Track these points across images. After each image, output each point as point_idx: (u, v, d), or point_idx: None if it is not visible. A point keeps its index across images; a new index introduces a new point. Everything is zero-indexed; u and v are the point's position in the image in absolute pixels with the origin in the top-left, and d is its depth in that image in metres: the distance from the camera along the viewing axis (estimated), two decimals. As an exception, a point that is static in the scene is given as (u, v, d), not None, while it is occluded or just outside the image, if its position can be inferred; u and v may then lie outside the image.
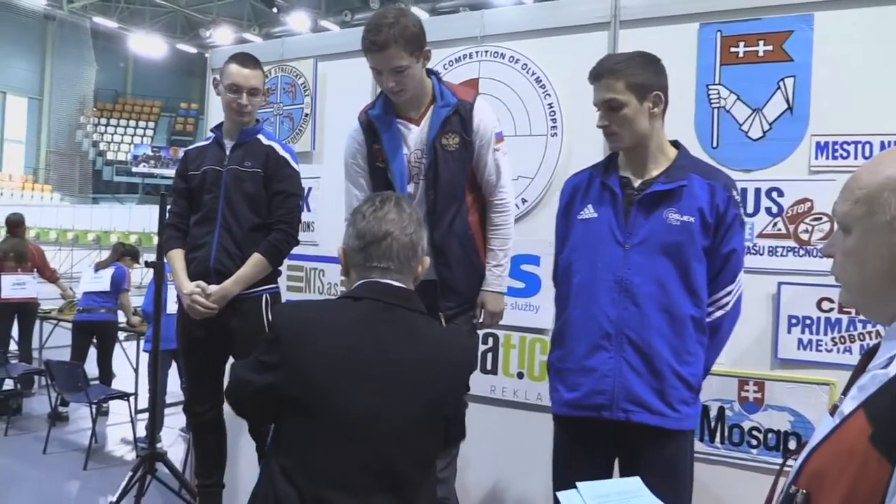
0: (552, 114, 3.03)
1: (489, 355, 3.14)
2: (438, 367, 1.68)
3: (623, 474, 2.10)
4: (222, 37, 21.37)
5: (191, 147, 3.10)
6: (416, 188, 2.48)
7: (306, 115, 3.68)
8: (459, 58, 3.24)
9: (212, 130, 2.99)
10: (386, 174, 2.50)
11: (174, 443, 5.54)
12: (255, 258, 2.78)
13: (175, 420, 5.81)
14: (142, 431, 5.25)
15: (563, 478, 2.16)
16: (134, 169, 26.50)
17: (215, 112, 3.91)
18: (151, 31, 23.19)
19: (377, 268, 1.68)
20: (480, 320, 2.59)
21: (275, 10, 20.27)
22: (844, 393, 1.09)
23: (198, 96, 29.02)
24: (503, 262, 2.58)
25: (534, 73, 3.08)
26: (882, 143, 2.52)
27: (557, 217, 2.35)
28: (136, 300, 6.64)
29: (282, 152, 2.86)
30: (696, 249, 2.08)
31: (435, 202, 2.45)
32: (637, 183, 2.15)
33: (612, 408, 2.07)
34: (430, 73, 2.53)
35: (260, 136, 2.90)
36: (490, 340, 3.14)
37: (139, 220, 21.12)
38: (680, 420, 2.08)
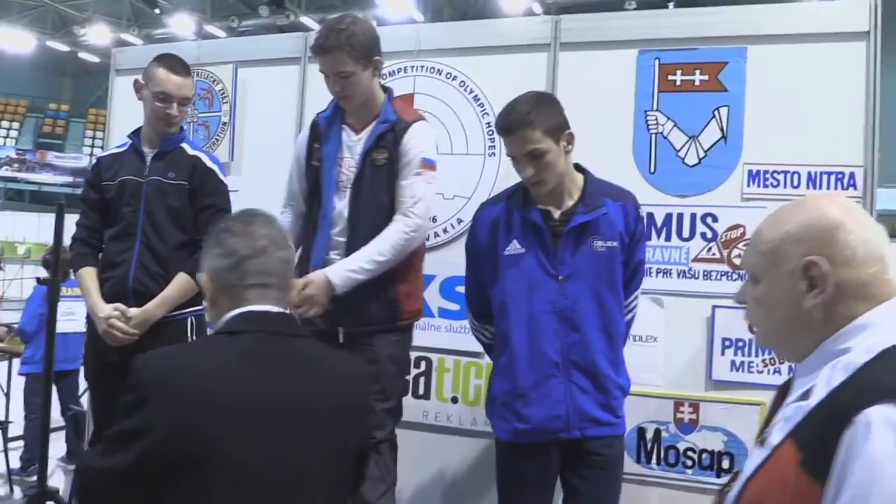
0: (490, 133, 3.00)
1: (421, 379, 3.05)
2: (342, 395, 1.49)
3: (564, 476, 2.22)
4: (98, 36, 20.17)
5: (104, 154, 2.82)
6: (343, 197, 2.47)
7: (224, 123, 3.47)
8: (394, 71, 3.15)
9: (128, 136, 2.72)
10: (317, 175, 2.51)
11: (53, 472, 5.06)
12: (181, 278, 2.55)
13: (54, 448, 5.31)
14: (15, 462, 4.78)
15: (512, 498, 2.26)
16: (-5, 172, 24.50)
17: (120, 118, 3.64)
18: (18, 25, 21.57)
19: (255, 286, 1.46)
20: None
21: (157, 11, 19.35)
22: (767, 424, 1.19)
23: (69, 97, 27.26)
24: (360, 267, 2.32)
25: (472, 91, 3.04)
26: (809, 174, 2.65)
27: (479, 250, 2.30)
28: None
29: (209, 164, 2.65)
30: (619, 267, 2.20)
31: (355, 212, 2.44)
32: (557, 214, 2.21)
33: (569, 429, 2.15)
34: (385, 89, 2.55)
35: (184, 145, 2.67)
36: (423, 364, 3.04)
37: (1, 227, 19.53)
38: (622, 424, 2.23)
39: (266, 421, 1.36)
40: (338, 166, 2.48)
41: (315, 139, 2.55)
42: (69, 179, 23.89)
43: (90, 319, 2.66)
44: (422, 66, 3.13)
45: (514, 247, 2.20)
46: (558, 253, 2.15)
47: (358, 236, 2.41)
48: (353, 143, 2.48)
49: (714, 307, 2.70)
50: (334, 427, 1.45)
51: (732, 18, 2.76)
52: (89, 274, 2.62)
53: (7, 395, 5.68)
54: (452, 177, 2.90)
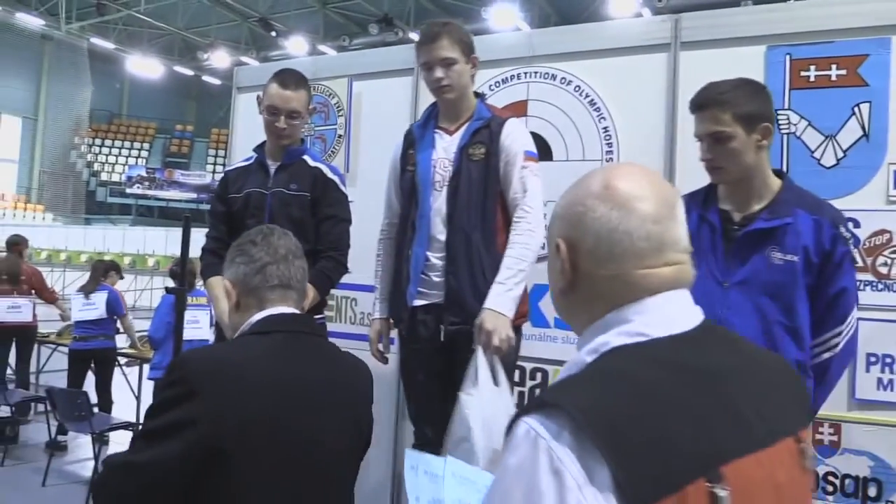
0: (607, 138, 2.90)
1: (537, 392, 2.97)
2: (356, 388, 1.68)
3: None
4: (220, 60, 21.33)
5: (230, 167, 2.91)
6: (439, 195, 2.48)
7: (340, 136, 3.54)
8: (507, 78, 3.11)
9: (254, 150, 2.81)
10: (414, 178, 2.54)
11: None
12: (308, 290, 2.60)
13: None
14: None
15: None
16: (128, 190, 26.27)
17: (242, 133, 3.77)
18: (149, 52, 23.11)
19: (277, 287, 1.64)
20: (476, 343, 2.28)
21: (273, 33, 20.26)
22: None
23: (192, 118, 28.94)
24: (510, 282, 2.32)
25: (587, 96, 2.95)
26: (967, 173, 2.40)
27: None
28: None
29: (330, 175, 2.70)
30: (800, 290, 1.96)
31: (454, 208, 2.44)
32: (738, 217, 2.02)
33: None
34: (477, 94, 2.58)
35: (306, 158, 2.73)
36: (538, 376, 2.97)
37: (133, 241, 20.87)
38: None
39: (301, 407, 1.51)
40: (433, 167, 2.50)
41: (410, 146, 2.60)
42: (194, 196, 25.33)
43: (218, 326, 2.75)
44: (535, 73, 3.08)
45: None
46: (729, 258, 1.98)
47: (457, 233, 2.41)
48: (448, 144, 2.51)
49: (858, 319, 2.48)
50: (353, 412, 1.64)
51: (872, 7, 2.55)
52: (218, 282, 2.71)
53: (138, 399, 6.03)
54: (569, 183, 2.82)
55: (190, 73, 24.63)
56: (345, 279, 3.40)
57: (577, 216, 0.97)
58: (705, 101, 1.98)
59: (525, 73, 3.10)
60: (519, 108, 3.01)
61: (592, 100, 2.94)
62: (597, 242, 0.95)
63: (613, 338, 0.91)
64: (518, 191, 2.41)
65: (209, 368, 1.45)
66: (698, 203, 2.08)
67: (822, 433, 2.50)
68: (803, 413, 0.97)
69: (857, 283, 2.48)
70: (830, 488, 2.49)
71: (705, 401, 0.85)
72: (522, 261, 2.35)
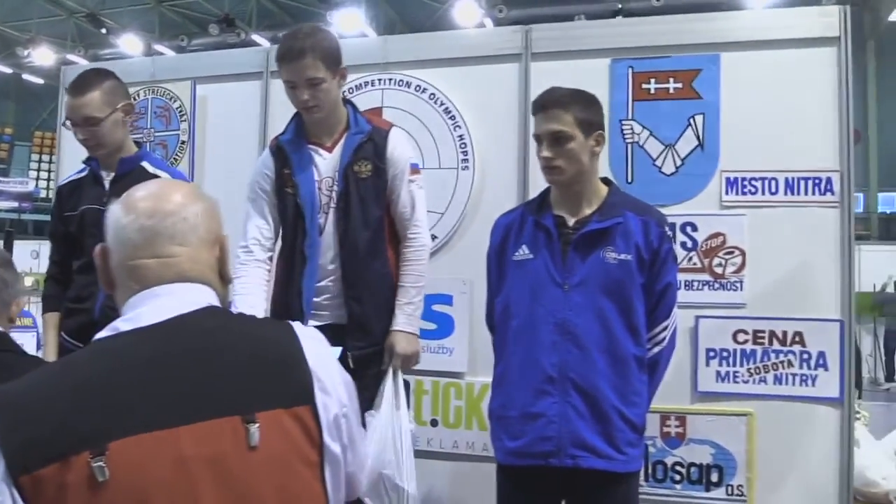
0: (463, 146, 2.92)
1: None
2: None
3: None
4: (42, 57, 19.64)
5: (63, 182, 2.60)
6: (327, 218, 2.33)
7: (183, 142, 3.33)
8: (361, 84, 3.06)
9: (84, 162, 2.54)
10: (296, 200, 2.33)
11: None
12: None
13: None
14: None
15: None
16: (-66, 199, 23.61)
17: (70, 135, 3.45)
18: (-43, 47, 20.93)
19: None
20: (387, 365, 2.32)
21: (103, 30, 18.94)
22: None
23: (12, 120, 26.47)
24: (415, 301, 2.37)
25: (442, 104, 2.96)
26: (787, 179, 2.63)
27: (490, 258, 2.23)
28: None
29: None
30: (636, 287, 2.04)
31: (346, 232, 2.30)
32: (571, 222, 2.09)
33: (560, 454, 1.99)
34: (346, 101, 2.42)
35: (144, 164, 2.49)
36: (401, 385, 2.93)
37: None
38: (627, 462, 2.02)
39: None
40: (317, 188, 2.33)
41: (284, 164, 2.36)
42: (15, 205, 23.17)
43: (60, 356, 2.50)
44: (390, 79, 3.05)
45: (523, 252, 2.08)
46: (567, 261, 2.03)
47: (352, 256, 2.29)
48: (327, 161, 2.34)
49: (697, 317, 2.66)
50: None
51: (705, 26, 2.75)
52: (51, 322, 2.48)
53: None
54: (425, 192, 2.81)
55: (8, 70, 22.52)
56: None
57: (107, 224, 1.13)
58: (548, 102, 2.04)
59: (379, 80, 3.06)
60: (375, 115, 2.96)
61: (447, 108, 2.95)
62: (111, 237, 1.11)
63: (105, 332, 1.07)
64: (407, 205, 2.35)
65: None
66: (533, 210, 2.14)
67: (669, 426, 2.65)
68: (281, 396, 1.04)
69: (696, 283, 2.67)
70: (678, 477, 2.64)
71: (115, 386, 0.98)
72: (420, 278, 2.36)
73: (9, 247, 2.75)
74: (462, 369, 2.87)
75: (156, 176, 2.47)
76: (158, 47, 18.76)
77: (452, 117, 2.95)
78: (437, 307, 2.90)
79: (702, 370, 2.64)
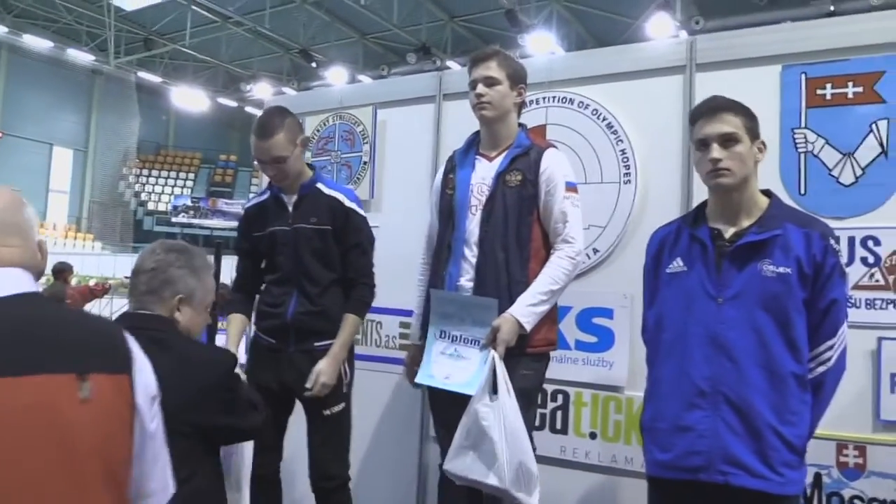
0: (625, 160, 2.93)
1: (559, 413, 2.98)
2: None
3: None
4: (262, 91, 21.73)
5: (249, 204, 2.95)
6: (474, 218, 2.52)
7: (365, 163, 3.62)
8: (525, 103, 3.14)
9: (268, 187, 2.86)
10: (452, 201, 2.59)
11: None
12: (350, 319, 2.71)
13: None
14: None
15: None
16: (173, 219, 26.86)
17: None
18: (194, 85, 23.73)
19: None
20: (488, 343, 2.36)
21: (313, 64, 20.65)
22: None
23: (236, 148, 29.52)
24: (538, 297, 2.38)
25: (605, 119, 2.98)
26: None
27: (645, 272, 2.23)
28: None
29: (348, 203, 2.74)
30: (796, 301, 1.95)
31: (486, 233, 2.47)
32: (728, 234, 2.04)
33: (710, 470, 1.93)
34: (520, 125, 2.63)
35: (320, 186, 2.78)
36: (560, 398, 2.97)
37: (177, 269, 21.13)
38: (784, 485, 1.91)
39: None
40: (470, 190, 2.55)
41: (450, 170, 2.66)
42: (236, 224, 25.72)
43: (253, 350, 2.84)
44: (553, 97, 3.12)
45: (677, 264, 2.07)
46: (722, 273, 1.98)
47: (487, 256, 2.45)
48: (487, 169, 2.55)
49: (880, 339, 2.45)
50: None
51: (888, 24, 2.54)
52: (234, 321, 2.82)
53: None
54: (587, 206, 2.83)
55: (234, 104, 25.18)
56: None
57: None
58: (716, 106, 2.03)
59: (543, 98, 3.14)
60: (538, 133, 3.05)
61: (610, 123, 2.97)
62: None
63: None
64: (559, 221, 2.46)
65: None
66: (688, 222, 2.11)
67: (846, 455, 2.46)
68: (107, 364, 1.27)
69: (879, 302, 2.47)
70: (857, 512, 2.43)
71: None
72: (556, 282, 2.41)
73: (217, 260, 3.13)
74: (621, 383, 2.85)
75: (331, 195, 2.75)
76: (361, 77, 20.12)
77: (615, 132, 2.96)
78: (597, 320, 2.91)
79: (885, 397, 2.43)
